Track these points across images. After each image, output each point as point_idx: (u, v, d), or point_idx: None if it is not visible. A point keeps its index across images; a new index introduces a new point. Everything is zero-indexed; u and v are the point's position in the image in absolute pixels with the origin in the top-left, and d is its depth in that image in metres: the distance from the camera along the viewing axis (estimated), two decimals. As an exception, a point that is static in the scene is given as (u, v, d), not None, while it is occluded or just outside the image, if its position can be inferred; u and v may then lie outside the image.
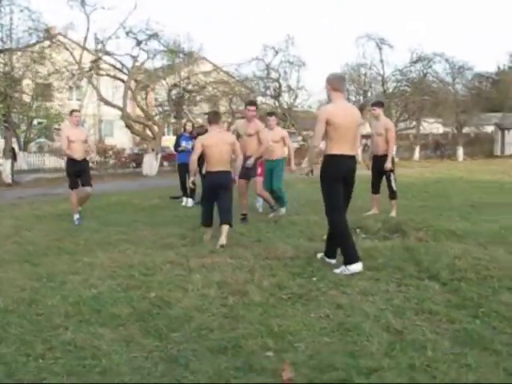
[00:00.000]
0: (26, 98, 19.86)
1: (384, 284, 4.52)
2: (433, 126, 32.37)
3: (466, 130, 32.04)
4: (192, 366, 3.02)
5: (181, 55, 21.77)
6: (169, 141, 26.22)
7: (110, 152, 21.02)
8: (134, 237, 6.97)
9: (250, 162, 7.66)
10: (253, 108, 7.92)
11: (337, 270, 4.96)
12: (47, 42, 19.10)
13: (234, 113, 24.75)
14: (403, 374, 2.85)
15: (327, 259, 5.26)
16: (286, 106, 27.95)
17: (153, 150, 20.68)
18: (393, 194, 8.50)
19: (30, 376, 2.94)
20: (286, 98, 28.14)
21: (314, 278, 4.72)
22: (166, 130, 25.37)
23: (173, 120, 25.44)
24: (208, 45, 32.58)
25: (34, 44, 19.21)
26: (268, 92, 27.58)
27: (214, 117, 6.85)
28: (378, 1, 79.21)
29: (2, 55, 17.78)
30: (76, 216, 8.32)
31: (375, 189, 8.71)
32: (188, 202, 10.87)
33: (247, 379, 2.84)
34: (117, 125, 36.84)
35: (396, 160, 8.38)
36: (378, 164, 8.45)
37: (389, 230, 7.00)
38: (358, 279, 4.66)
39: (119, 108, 20.60)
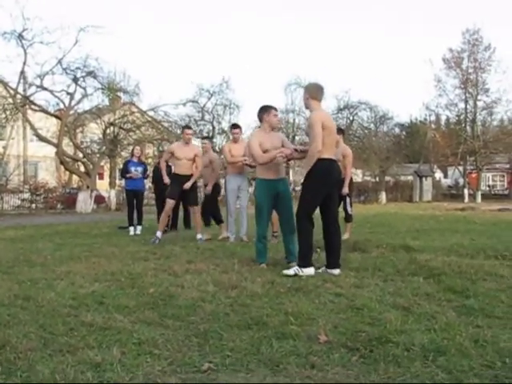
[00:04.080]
0: None
1: (371, 280, 4.77)
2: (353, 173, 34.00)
3: (386, 178, 33.85)
4: (226, 337, 3.07)
5: (119, 93, 21.71)
6: (99, 184, 25.65)
7: (42, 190, 20.14)
8: (101, 253, 6.79)
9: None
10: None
11: (289, 271, 5.02)
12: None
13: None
14: (426, 334, 3.07)
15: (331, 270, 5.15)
16: (217, 149, 28.36)
17: (87, 187, 20.17)
18: (348, 217, 8.89)
19: (66, 347, 2.87)
20: (219, 140, 28.65)
21: (303, 277, 4.89)
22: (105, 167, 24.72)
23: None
24: (143, 84, 32.69)
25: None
26: (201, 134, 27.90)
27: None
28: (307, 47, 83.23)
29: None
30: (159, 233, 8.29)
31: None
32: (137, 229, 10.32)
33: (285, 344, 2.93)
34: (41, 166, 35.72)
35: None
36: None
37: (348, 248, 7.32)
38: (345, 277, 4.90)
39: (54, 144, 20.10)
